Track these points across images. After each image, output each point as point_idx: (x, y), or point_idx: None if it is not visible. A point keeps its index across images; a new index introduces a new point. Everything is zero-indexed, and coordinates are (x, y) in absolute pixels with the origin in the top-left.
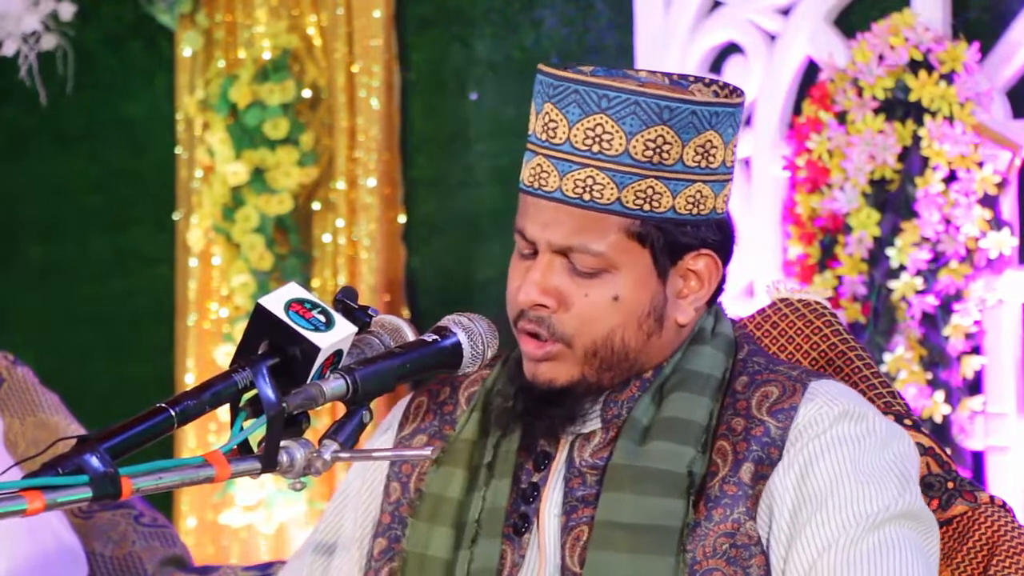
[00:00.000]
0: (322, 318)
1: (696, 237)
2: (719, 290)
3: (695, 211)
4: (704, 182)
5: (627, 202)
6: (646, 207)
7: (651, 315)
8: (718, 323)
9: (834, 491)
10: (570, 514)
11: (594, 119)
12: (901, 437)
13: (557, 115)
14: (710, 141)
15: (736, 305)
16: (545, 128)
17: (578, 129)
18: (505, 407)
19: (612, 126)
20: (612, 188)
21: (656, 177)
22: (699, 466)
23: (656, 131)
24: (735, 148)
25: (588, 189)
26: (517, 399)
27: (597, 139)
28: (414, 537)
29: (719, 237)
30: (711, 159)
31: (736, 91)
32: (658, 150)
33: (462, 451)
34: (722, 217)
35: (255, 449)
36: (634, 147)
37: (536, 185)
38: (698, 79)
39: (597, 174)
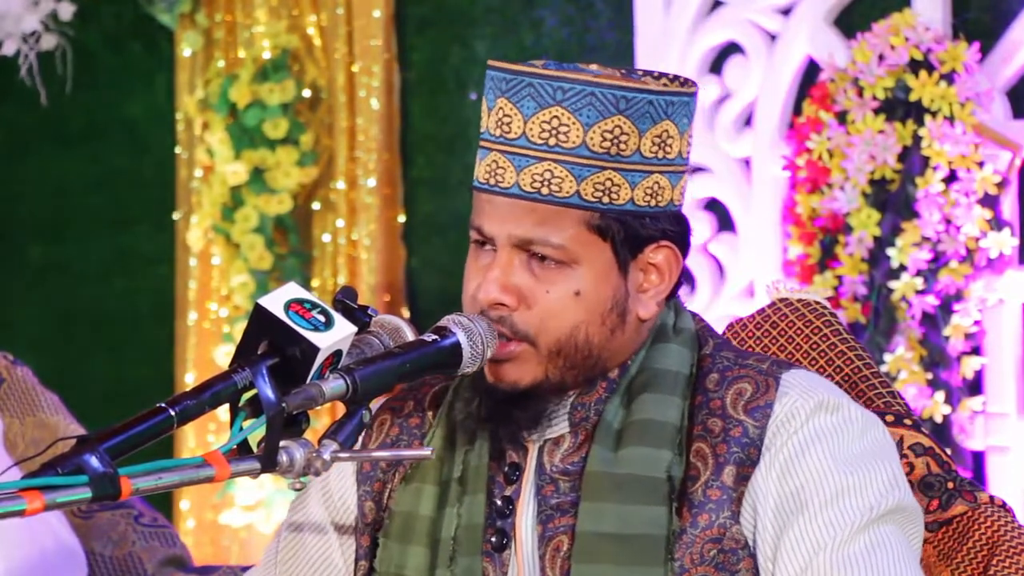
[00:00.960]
0: (322, 318)
1: (656, 229)
2: (679, 283)
3: (653, 203)
4: (662, 173)
5: (586, 195)
6: (605, 199)
7: (614, 310)
8: (679, 318)
9: (819, 488)
10: (546, 523)
11: (550, 111)
12: (876, 424)
13: (511, 109)
14: (666, 131)
15: (736, 305)
16: (499, 124)
17: (533, 123)
18: (468, 413)
19: (569, 118)
20: (571, 181)
21: (614, 169)
22: (677, 469)
23: (613, 122)
24: (690, 139)
25: (546, 183)
26: (480, 404)
27: (554, 132)
28: (387, 557)
29: (678, 229)
30: (668, 149)
31: (688, 82)
32: (615, 141)
33: (430, 466)
34: (679, 209)
35: (255, 449)
36: (591, 138)
37: (492, 182)
38: (647, 73)
39: (555, 167)
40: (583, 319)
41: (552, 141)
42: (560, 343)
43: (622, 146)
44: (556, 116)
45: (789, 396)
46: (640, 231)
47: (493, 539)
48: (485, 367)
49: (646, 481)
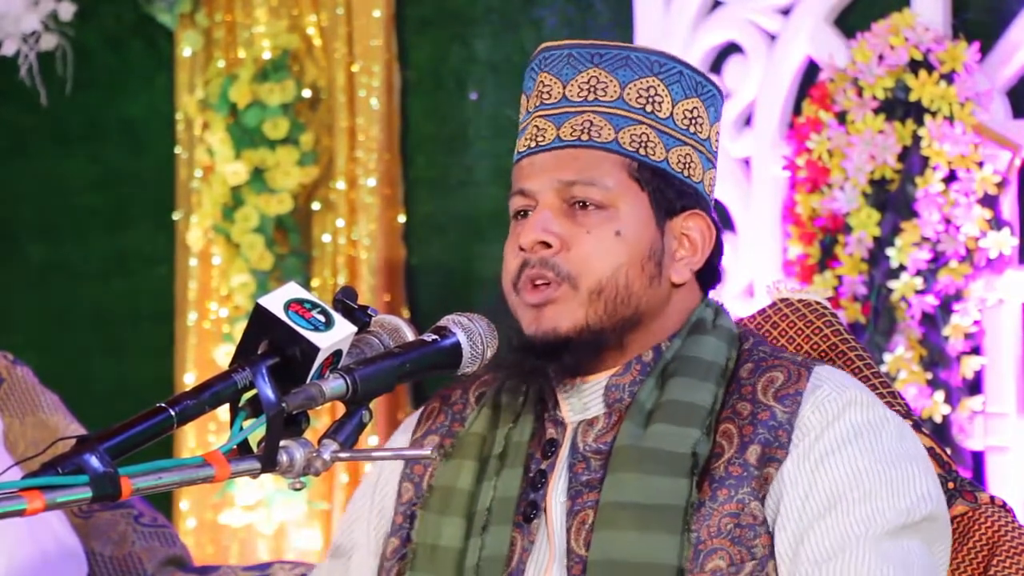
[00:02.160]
0: (322, 318)
1: (689, 197)
2: (716, 275)
3: (686, 173)
4: (694, 148)
5: (624, 143)
6: (642, 151)
7: (651, 259)
8: (718, 316)
9: (855, 484)
10: (575, 499)
11: (588, 72)
12: (910, 430)
13: (551, 80)
14: (697, 108)
15: (736, 305)
16: (539, 95)
17: (573, 85)
18: (515, 392)
19: (607, 77)
20: (609, 129)
21: (650, 126)
22: (703, 447)
23: (648, 81)
24: (718, 136)
25: (586, 131)
26: (522, 360)
27: (592, 89)
28: (424, 529)
29: (709, 213)
30: (699, 127)
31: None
32: (651, 99)
33: (472, 444)
34: (709, 202)
35: (255, 449)
36: (628, 94)
37: (532, 144)
38: None
39: (594, 117)
40: (624, 261)
41: (591, 97)
42: (601, 283)
43: (657, 106)
44: (594, 76)
45: (822, 389)
46: (674, 194)
47: (525, 509)
48: (524, 315)
49: (671, 456)
